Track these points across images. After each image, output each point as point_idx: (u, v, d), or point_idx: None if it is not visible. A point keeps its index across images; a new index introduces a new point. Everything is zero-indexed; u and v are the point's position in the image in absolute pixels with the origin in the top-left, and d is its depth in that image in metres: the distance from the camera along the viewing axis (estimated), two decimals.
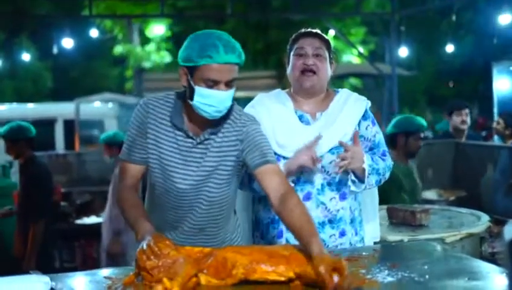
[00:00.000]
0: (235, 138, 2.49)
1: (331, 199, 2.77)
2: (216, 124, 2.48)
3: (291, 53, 2.87)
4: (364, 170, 2.70)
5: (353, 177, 2.73)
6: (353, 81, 17.96)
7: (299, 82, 2.82)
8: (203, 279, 2.03)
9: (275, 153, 2.60)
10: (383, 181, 2.86)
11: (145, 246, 2.09)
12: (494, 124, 6.75)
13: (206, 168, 2.50)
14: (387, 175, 2.87)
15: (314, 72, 2.79)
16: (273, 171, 2.41)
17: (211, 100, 2.35)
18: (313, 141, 2.67)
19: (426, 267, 2.20)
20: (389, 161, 2.89)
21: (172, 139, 2.49)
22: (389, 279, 2.08)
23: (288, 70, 2.88)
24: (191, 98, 2.38)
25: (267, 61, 19.93)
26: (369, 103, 2.91)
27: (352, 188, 2.74)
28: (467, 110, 6.30)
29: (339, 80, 15.76)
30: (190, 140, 2.48)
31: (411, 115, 5.04)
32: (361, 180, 2.74)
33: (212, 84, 2.33)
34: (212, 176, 2.51)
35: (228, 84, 2.36)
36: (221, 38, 2.35)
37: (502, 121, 6.72)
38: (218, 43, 2.32)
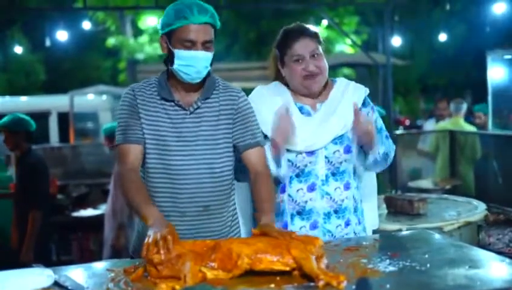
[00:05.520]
0: (230, 107, 2.59)
1: (335, 189, 2.77)
2: (204, 92, 2.56)
3: (288, 59, 2.81)
4: (373, 137, 2.67)
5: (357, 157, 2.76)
6: (346, 71, 17.90)
7: (303, 86, 2.80)
8: (210, 273, 2.02)
9: None
10: (388, 162, 2.87)
11: (157, 237, 2.07)
12: (477, 120, 6.92)
13: (202, 137, 2.54)
14: (392, 156, 2.89)
15: (317, 74, 2.78)
16: (259, 152, 2.61)
17: (190, 61, 2.45)
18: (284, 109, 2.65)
19: (427, 256, 2.22)
20: (391, 143, 2.90)
21: (164, 114, 2.54)
22: (391, 268, 2.09)
23: (287, 74, 2.84)
24: (172, 64, 2.49)
25: (260, 52, 19.86)
26: (367, 91, 2.91)
27: (368, 159, 2.75)
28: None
29: (331, 71, 15.69)
30: (182, 111, 2.54)
31: None
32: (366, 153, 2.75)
33: (190, 44, 2.45)
34: (210, 146, 2.55)
35: (205, 46, 2.47)
36: (195, 2, 2.49)
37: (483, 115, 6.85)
38: (193, 5, 2.47)
